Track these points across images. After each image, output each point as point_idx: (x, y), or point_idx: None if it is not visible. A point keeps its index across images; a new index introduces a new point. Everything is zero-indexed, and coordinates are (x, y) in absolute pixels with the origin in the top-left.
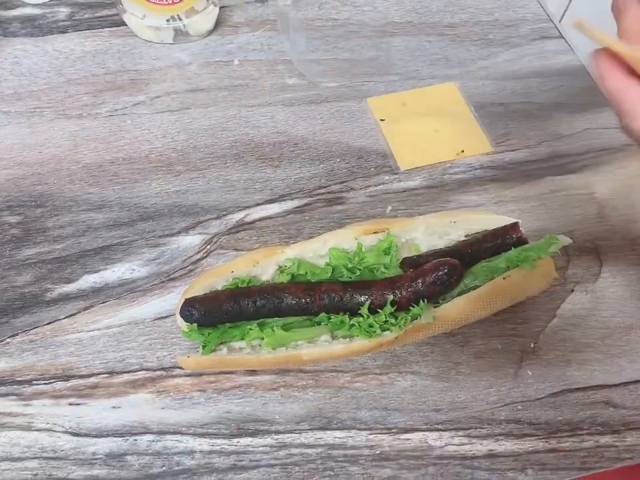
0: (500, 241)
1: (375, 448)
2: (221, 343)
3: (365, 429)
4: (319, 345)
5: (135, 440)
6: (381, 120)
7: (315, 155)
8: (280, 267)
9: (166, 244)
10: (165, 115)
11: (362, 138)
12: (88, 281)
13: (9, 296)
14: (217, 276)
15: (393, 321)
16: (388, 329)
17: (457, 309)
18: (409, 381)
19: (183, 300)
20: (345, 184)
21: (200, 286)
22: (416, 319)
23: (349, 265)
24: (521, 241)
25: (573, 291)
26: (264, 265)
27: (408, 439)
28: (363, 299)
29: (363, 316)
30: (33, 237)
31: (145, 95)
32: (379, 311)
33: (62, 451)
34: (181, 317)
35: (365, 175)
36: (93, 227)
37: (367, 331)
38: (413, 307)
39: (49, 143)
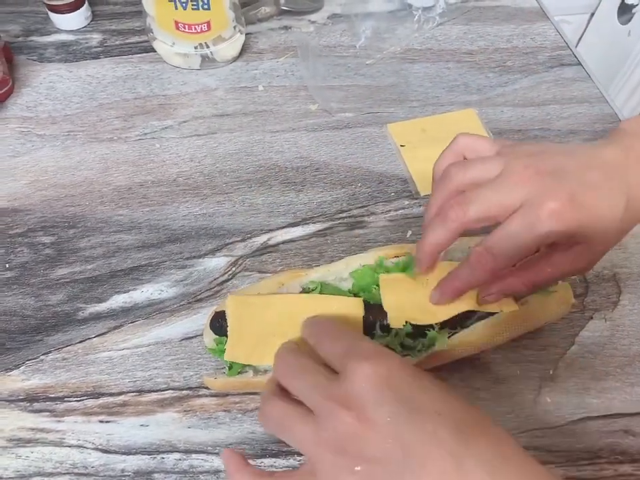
0: None
1: None
2: (247, 365)
3: None
4: None
5: (163, 458)
6: (402, 146)
7: (336, 179)
8: (303, 289)
9: (193, 265)
10: (192, 139)
11: (382, 163)
12: (118, 300)
13: (43, 314)
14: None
15: (411, 343)
16: (408, 354)
17: (476, 334)
18: None
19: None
20: (365, 208)
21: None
22: (433, 344)
23: (374, 279)
24: None
25: (591, 318)
26: (289, 287)
27: None
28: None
29: (377, 337)
30: (66, 257)
31: (172, 119)
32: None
33: (92, 467)
34: (211, 328)
35: (386, 200)
36: (122, 247)
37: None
38: (429, 331)
39: (82, 165)
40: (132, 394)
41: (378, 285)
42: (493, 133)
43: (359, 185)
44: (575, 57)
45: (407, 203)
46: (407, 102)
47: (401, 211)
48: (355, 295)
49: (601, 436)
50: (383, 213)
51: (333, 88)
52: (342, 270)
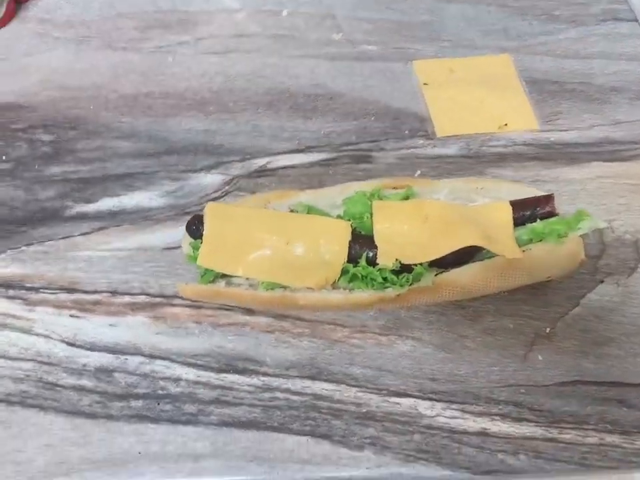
0: (529, 212)
1: (362, 406)
2: (221, 277)
3: (354, 386)
4: (318, 291)
5: (126, 359)
6: (425, 84)
7: (349, 110)
8: (291, 210)
9: (186, 179)
10: (207, 56)
11: (401, 100)
12: (107, 203)
13: (31, 208)
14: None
15: (394, 278)
16: (390, 287)
17: (468, 275)
18: (408, 346)
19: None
20: (375, 143)
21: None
22: (419, 279)
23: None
24: (552, 216)
25: (602, 281)
26: (275, 206)
27: (398, 403)
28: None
29: (364, 267)
30: (62, 156)
31: (190, 35)
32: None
33: (56, 357)
34: (187, 230)
35: (398, 137)
36: (119, 153)
37: (367, 282)
38: (416, 267)
39: (92, 70)
40: (106, 294)
41: (371, 215)
42: (526, 82)
43: (373, 119)
44: (633, 11)
45: (420, 142)
46: (437, 41)
47: (412, 150)
48: None
49: (592, 402)
50: (393, 150)
51: (361, 19)
52: (335, 195)
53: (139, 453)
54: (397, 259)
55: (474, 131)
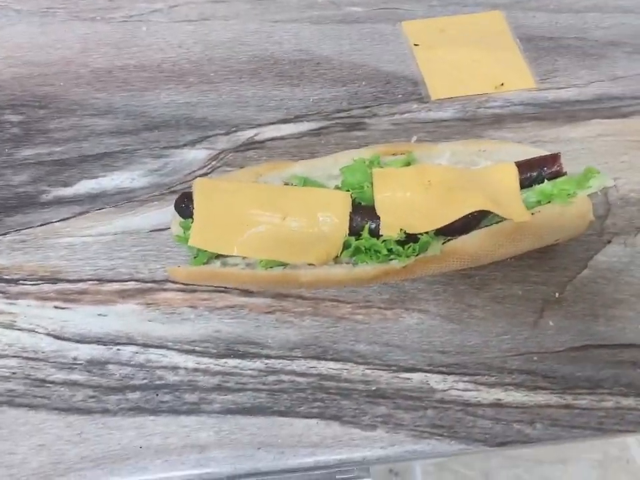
0: (535, 173)
1: (371, 384)
2: (216, 257)
3: (362, 363)
4: (319, 267)
5: (119, 350)
6: (415, 45)
7: (338, 76)
8: (285, 183)
9: (169, 156)
10: (182, 25)
11: (392, 63)
12: (85, 186)
13: (4, 194)
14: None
15: (399, 249)
16: (396, 258)
17: (476, 242)
18: (415, 319)
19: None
20: (368, 109)
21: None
22: (425, 249)
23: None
24: (560, 176)
25: (609, 242)
26: (267, 179)
27: (408, 378)
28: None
29: (367, 239)
30: (33, 138)
31: (163, 2)
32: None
33: (43, 352)
34: (176, 209)
35: (392, 102)
36: (96, 132)
37: (372, 255)
38: (421, 236)
39: (59, 44)
40: (92, 282)
41: (371, 184)
42: (520, 40)
43: (363, 83)
44: None
45: (415, 106)
46: (426, 0)
47: (407, 115)
48: None
49: (605, 366)
50: (387, 115)
51: None
52: (330, 166)
53: (140, 448)
54: (401, 229)
55: (469, 92)
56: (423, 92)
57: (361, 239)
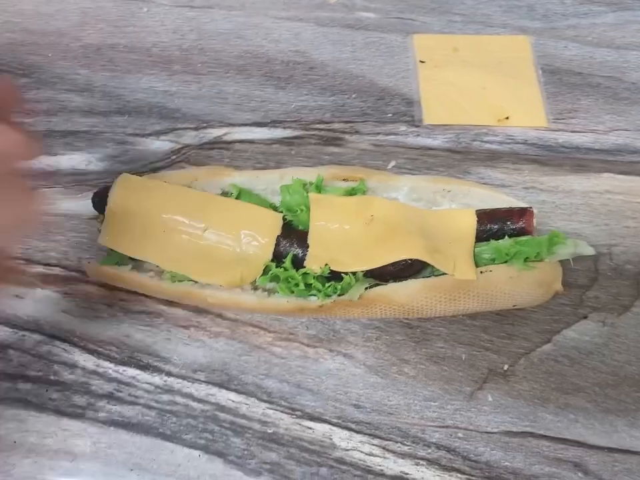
0: (497, 227)
1: (269, 426)
2: (130, 259)
3: (265, 401)
4: (230, 290)
5: (24, 336)
6: (421, 62)
7: (329, 84)
8: (223, 193)
9: (132, 144)
10: (184, 10)
11: (391, 77)
12: (41, 162)
13: None
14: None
15: (319, 285)
16: (315, 294)
17: (409, 293)
18: (337, 363)
19: None
20: (351, 125)
21: None
22: (345, 292)
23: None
24: (524, 235)
25: (585, 317)
26: (204, 185)
27: (310, 428)
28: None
29: (287, 269)
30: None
31: None
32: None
33: None
34: (92, 204)
35: (379, 120)
36: (68, 108)
37: (289, 287)
38: (346, 275)
39: (59, 14)
40: (19, 261)
41: (308, 208)
42: (543, 71)
43: (354, 96)
44: None
45: (403, 129)
46: (448, 14)
47: (392, 136)
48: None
49: (541, 461)
50: (369, 134)
51: None
52: (276, 180)
53: (14, 442)
54: (326, 264)
55: (467, 122)
56: (416, 114)
57: (281, 268)
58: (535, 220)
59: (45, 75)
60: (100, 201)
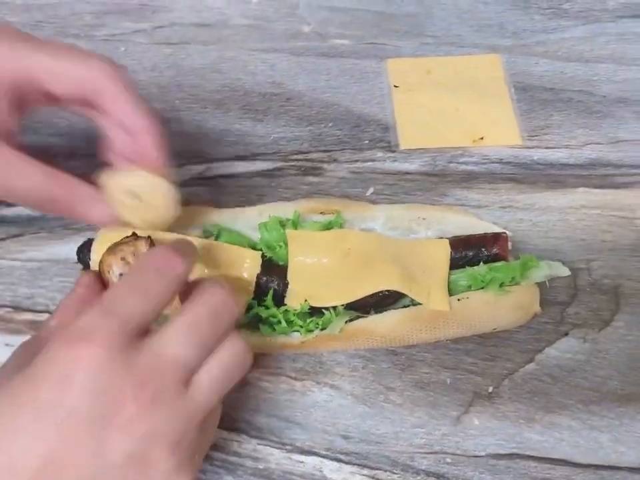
0: (472, 253)
1: (260, 462)
2: None
3: (256, 437)
4: None
5: None
6: (395, 86)
7: (306, 114)
8: (205, 230)
9: None
10: (161, 47)
11: (366, 104)
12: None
13: None
14: None
15: (299, 322)
16: (297, 330)
17: (388, 324)
18: (324, 395)
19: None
20: (328, 154)
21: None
22: (326, 326)
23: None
24: (499, 259)
25: (566, 334)
26: (186, 226)
27: (301, 462)
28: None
29: (268, 306)
30: None
31: (148, 23)
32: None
33: None
34: (77, 258)
35: (356, 148)
36: (51, 153)
37: (273, 326)
38: (327, 310)
39: None
40: (8, 309)
41: (286, 244)
42: (516, 89)
43: (330, 125)
44: None
45: (380, 155)
46: (420, 37)
47: (369, 164)
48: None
49: None
50: (347, 162)
51: (336, 9)
52: (255, 218)
53: None
54: (306, 300)
55: (443, 144)
56: (392, 139)
57: (262, 306)
58: (509, 243)
59: (25, 121)
60: (83, 257)
